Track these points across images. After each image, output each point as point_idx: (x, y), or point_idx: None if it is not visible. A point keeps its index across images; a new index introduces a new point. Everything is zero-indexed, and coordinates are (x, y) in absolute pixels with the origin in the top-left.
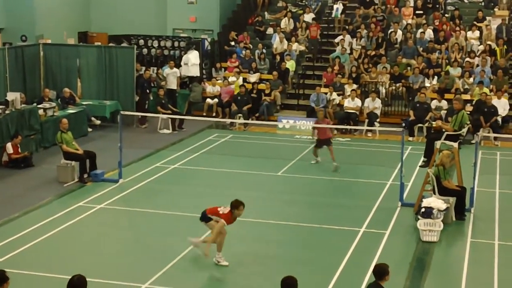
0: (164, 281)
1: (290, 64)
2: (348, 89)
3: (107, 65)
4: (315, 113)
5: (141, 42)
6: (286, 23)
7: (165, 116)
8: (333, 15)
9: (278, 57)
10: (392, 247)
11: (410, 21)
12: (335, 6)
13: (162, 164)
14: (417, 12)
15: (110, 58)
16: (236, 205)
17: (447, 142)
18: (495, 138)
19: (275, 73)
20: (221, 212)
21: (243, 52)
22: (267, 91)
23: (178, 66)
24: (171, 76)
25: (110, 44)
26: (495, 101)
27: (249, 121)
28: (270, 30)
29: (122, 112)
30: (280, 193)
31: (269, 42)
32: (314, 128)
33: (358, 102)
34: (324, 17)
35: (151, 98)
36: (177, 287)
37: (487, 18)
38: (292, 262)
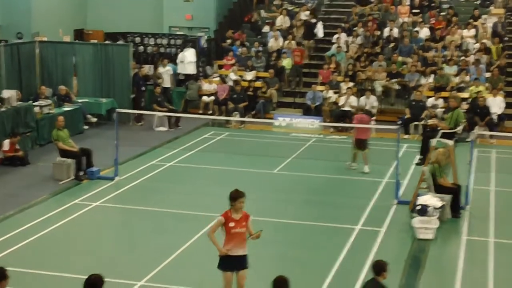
0: (160, 278)
1: (286, 62)
2: (344, 87)
3: (103, 63)
4: (311, 111)
5: (137, 39)
6: (282, 21)
7: (161, 114)
8: (319, 35)
9: (274, 55)
10: (388, 245)
11: (406, 19)
12: (318, 25)
13: (158, 162)
14: (413, 10)
15: (106, 55)
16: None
17: (443, 140)
18: (491, 136)
19: (271, 71)
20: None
21: (239, 50)
22: (263, 89)
23: (174, 63)
24: (164, 74)
25: (106, 42)
26: (490, 99)
27: (245, 119)
28: (266, 28)
29: (118, 110)
30: (276, 191)
31: (265, 40)
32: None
33: (353, 100)
34: (320, 15)
35: (147, 96)
36: (173, 285)
37: (483, 16)
38: (287, 260)
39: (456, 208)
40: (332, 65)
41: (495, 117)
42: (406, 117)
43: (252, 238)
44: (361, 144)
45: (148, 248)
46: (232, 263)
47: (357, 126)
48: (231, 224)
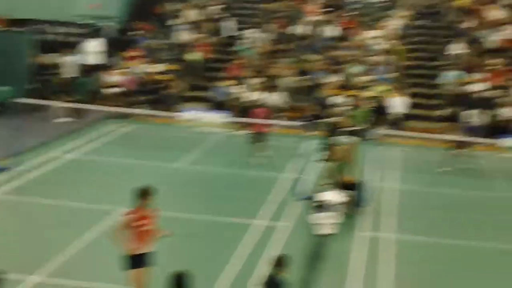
0: (60, 273)
1: (194, 56)
2: (252, 82)
3: (4, 50)
4: (219, 106)
5: (43, 27)
6: (191, 15)
7: (63, 104)
8: (227, 31)
9: (182, 49)
10: (289, 240)
11: (315, 18)
12: (227, 21)
13: (58, 153)
14: (322, 9)
15: (7, 42)
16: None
17: (347, 137)
18: (395, 135)
19: (180, 64)
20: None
21: (148, 41)
22: (171, 82)
23: (80, 53)
24: (69, 64)
25: (8, 28)
26: (395, 99)
27: (153, 112)
28: (174, 21)
29: (18, 99)
30: (178, 185)
31: (174, 32)
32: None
33: (261, 95)
34: (231, 10)
35: (49, 85)
36: (75, 279)
37: (390, 18)
38: (186, 255)
39: (358, 204)
40: (241, 61)
41: (398, 116)
42: (311, 114)
43: (161, 236)
44: (260, 137)
45: (44, 241)
46: (138, 261)
47: (263, 122)
48: (139, 222)
